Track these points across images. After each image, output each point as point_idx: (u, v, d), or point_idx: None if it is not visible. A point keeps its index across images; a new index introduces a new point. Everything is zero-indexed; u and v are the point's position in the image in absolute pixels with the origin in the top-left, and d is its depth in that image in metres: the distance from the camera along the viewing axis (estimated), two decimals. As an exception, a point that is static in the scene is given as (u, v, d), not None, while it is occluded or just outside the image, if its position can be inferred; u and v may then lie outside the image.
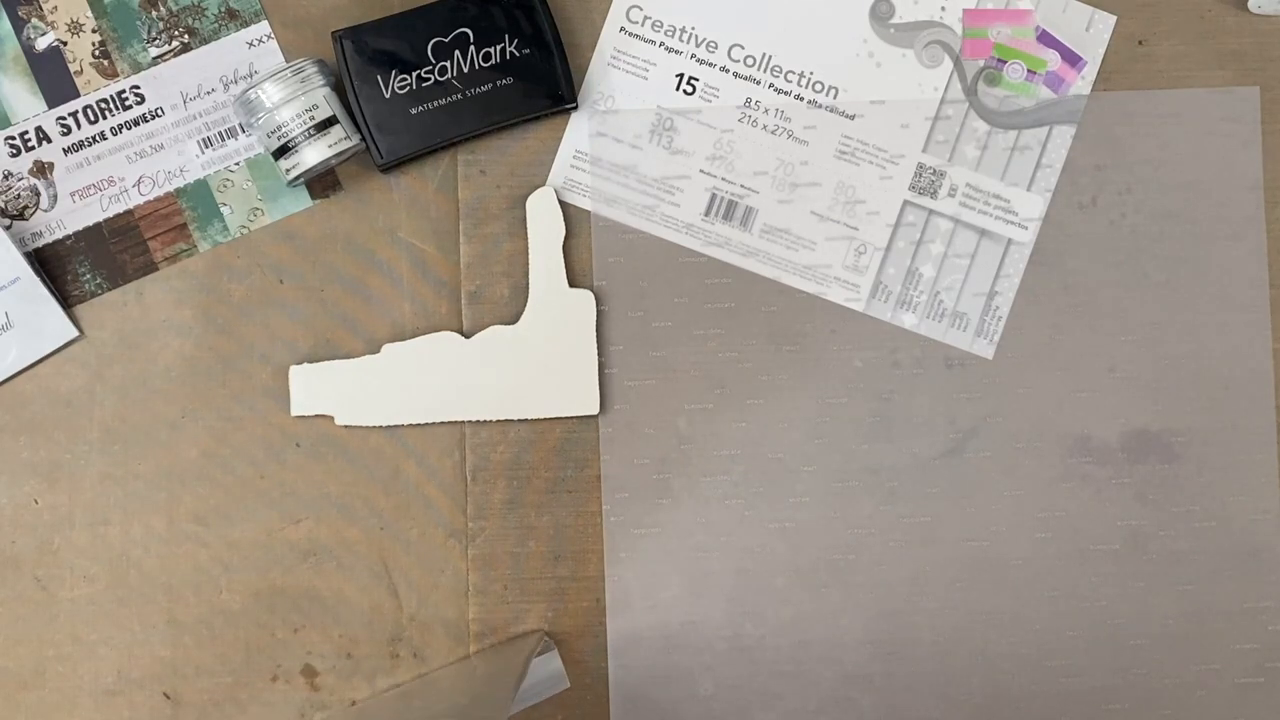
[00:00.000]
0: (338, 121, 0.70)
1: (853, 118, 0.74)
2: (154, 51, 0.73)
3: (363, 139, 0.71)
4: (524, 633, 0.71)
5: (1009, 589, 0.73)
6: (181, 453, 0.72)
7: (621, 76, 0.74)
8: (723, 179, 0.74)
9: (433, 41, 0.71)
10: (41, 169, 0.72)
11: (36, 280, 0.70)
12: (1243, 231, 0.75)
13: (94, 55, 0.73)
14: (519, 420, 0.73)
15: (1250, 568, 0.74)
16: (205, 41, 0.73)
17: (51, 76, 0.72)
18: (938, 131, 0.74)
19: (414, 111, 0.71)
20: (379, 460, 0.72)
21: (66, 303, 0.72)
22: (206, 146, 0.73)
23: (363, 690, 0.71)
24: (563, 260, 0.73)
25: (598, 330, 0.73)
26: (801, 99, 0.74)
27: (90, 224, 0.72)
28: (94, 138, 0.72)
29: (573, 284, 0.73)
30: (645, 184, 0.74)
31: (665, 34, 0.74)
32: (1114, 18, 0.75)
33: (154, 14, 0.73)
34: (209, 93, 0.73)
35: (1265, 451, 0.74)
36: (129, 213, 0.73)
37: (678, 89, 0.74)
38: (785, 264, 0.73)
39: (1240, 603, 0.73)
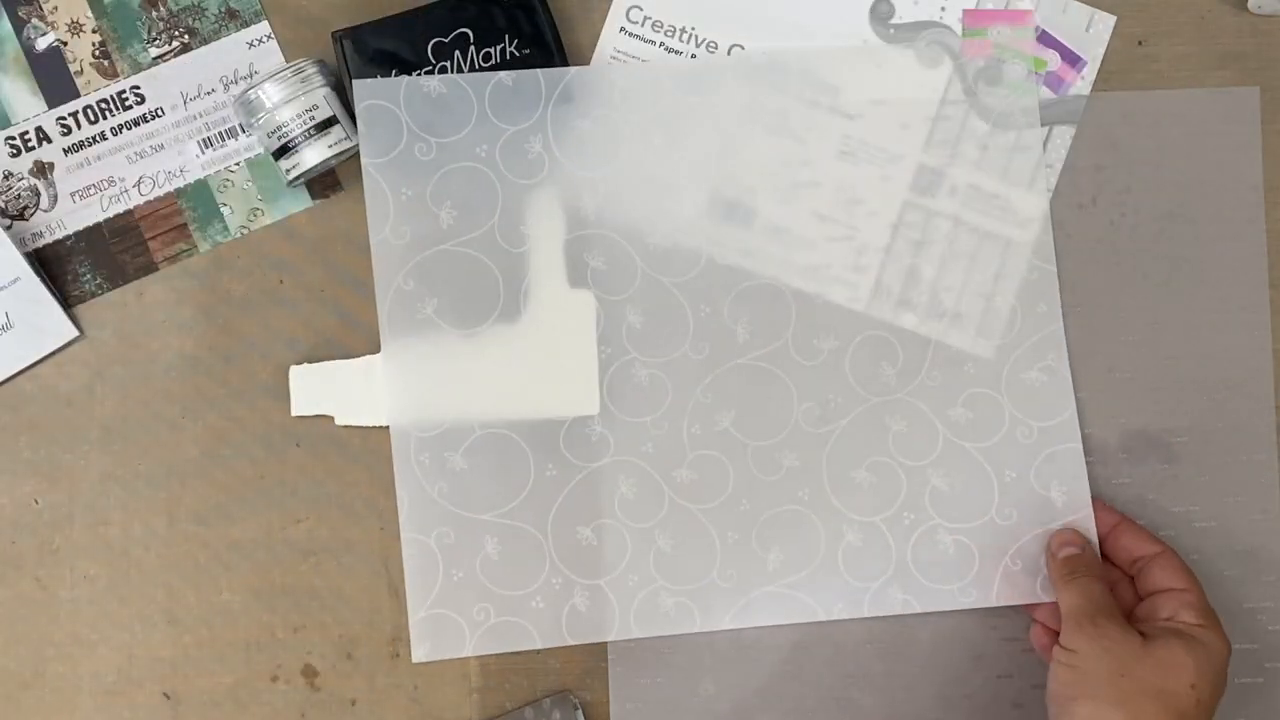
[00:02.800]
0: (338, 121, 0.70)
1: (853, 118, 0.74)
2: (154, 51, 0.73)
3: (363, 139, 0.71)
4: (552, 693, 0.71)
5: (1009, 589, 0.73)
6: (182, 452, 0.72)
7: (621, 76, 0.74)
8: (723, 179, 0.74)
9: (433, 42, 0.71)
10: (41, 169, 0.72)
11: (37, 280, 0.70)
12: (1243, 231, 0.75)
13: (94, 55, 0.73)
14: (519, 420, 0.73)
15: (1250, 568, 0.73)
16: (205, 42, 0.73)
17: (51, 76, 0.72)
18: (938, 131, 0.74)
19: (414, 111, 0.71)
20: (379, 459, 0.72)
21: (67, 303, 0.72)
22: (206, 147, 0.73)
23: (363, 690, 0.71)
24: (563, 260, 0.73)
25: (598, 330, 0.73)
26: (802, 99, 0.74)
27: (90, 224, 0.72)
28: (94, 138, 0.72)
29: (573, 284, 0.73)
30: (645, 184, 0.74)
31: (665, 34, 0.74)
32: (1114, 18, 0.75)
33: (154, 14, 0.73)
34: (209, 93, 0.73)
35: (1265, 451, 0.74)
36: (129, 213, 0.73)
37: (678, 89, 0.74)
38: (785, 264, 0.73)
39: (1240, 603, 0.73)
